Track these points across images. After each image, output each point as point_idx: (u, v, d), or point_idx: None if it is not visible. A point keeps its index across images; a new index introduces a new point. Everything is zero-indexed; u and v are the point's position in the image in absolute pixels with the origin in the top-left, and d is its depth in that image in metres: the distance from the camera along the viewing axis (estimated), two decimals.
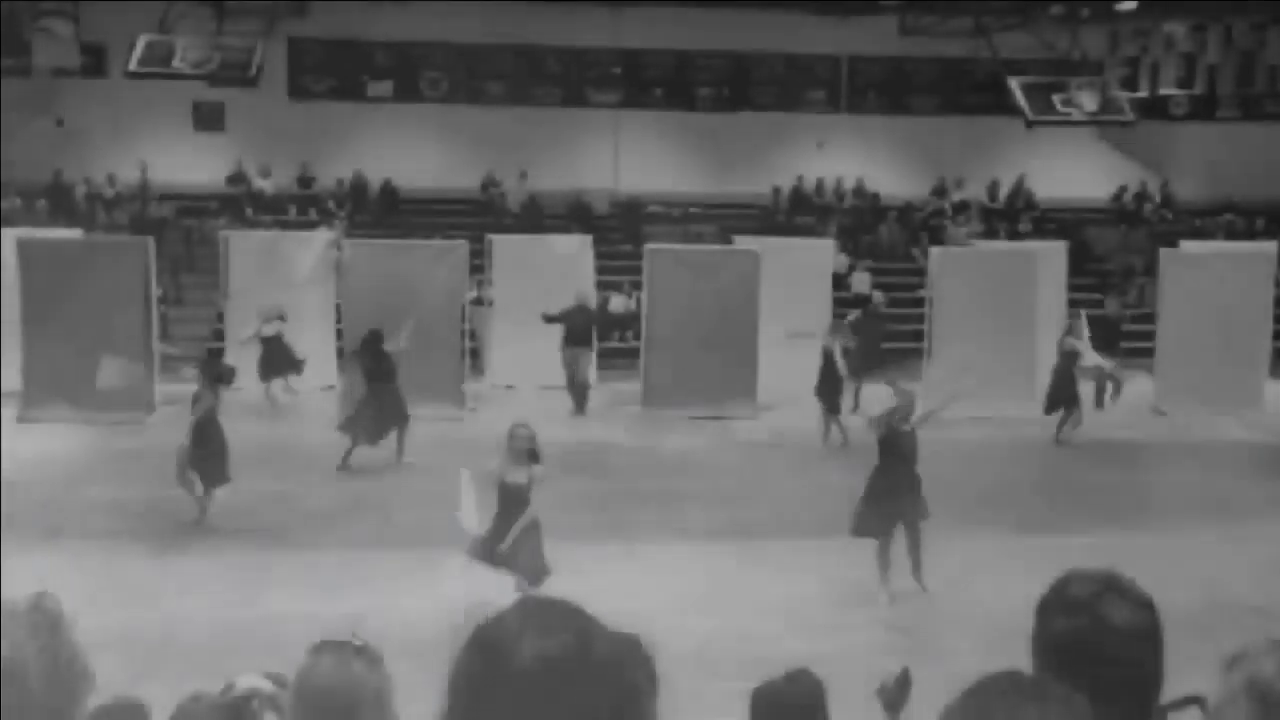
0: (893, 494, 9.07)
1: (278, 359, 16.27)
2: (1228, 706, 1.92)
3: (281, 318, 16.30)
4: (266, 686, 3.49)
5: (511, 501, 8.54)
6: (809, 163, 23.74)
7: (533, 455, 8.60)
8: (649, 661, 2.37)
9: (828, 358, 14.63)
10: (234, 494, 11.71)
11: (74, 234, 18.01)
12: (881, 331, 16.77)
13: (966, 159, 23.57)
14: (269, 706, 3.48)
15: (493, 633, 1.44)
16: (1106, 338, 16.15)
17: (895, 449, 9.15)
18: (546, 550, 8.59)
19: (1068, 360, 14.66)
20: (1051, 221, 23.13)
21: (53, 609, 2.12)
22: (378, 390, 13.10)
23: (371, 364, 13.21)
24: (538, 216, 22.22)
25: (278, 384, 16.40)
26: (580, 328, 16.09)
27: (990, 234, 22.34)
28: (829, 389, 14.60)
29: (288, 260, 17.22)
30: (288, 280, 17.04)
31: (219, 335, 18.14)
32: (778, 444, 14.64)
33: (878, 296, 17.89)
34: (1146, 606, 2.08)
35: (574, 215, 22.21)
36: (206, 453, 10.83)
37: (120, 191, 21.78)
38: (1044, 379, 16.49)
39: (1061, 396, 14.65)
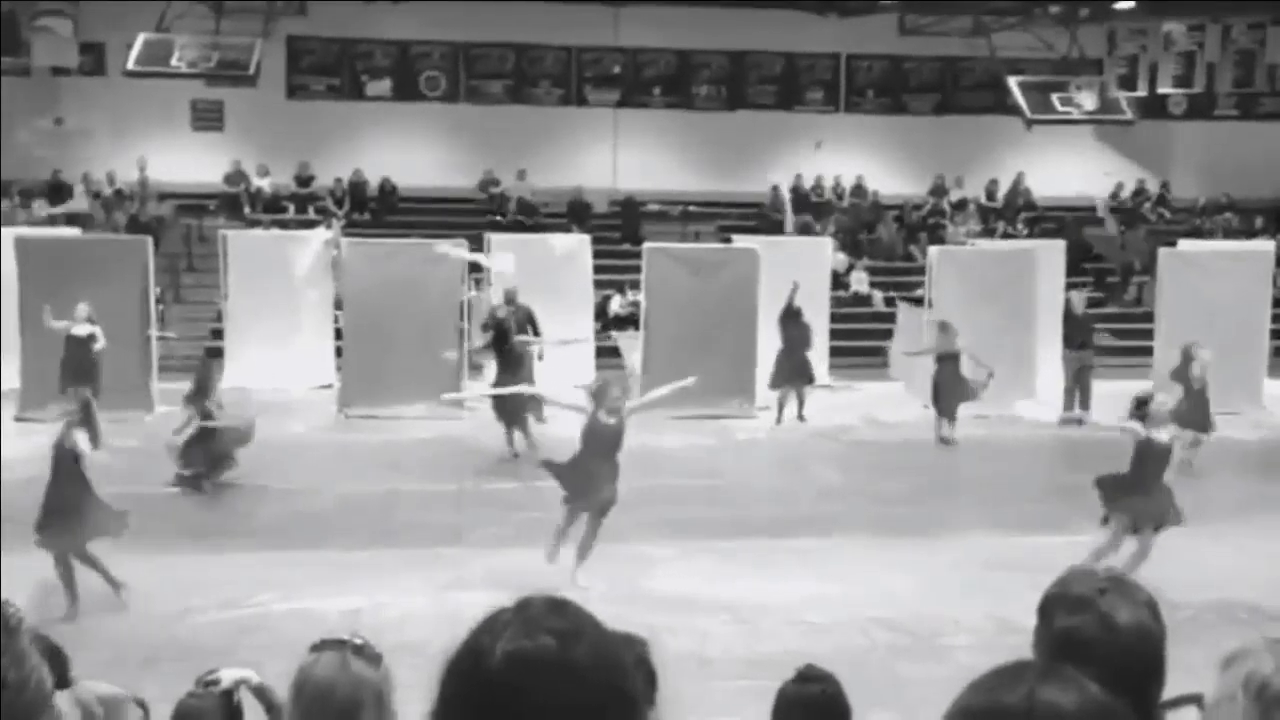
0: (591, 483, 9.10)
1: (83, 367, 13.60)
2: (1225, 704, 1.92)
3: (91, 320, 13.95)
4: (253, 677, 3.50)
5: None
6: (807, 162, 23.75)
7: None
8: (645, 665, 2.35)
9: (948, 361, 14.47)
10: (235, 494, 11.73)
11: (72, 233, 18.04)
12: (807, 336, 15.58)
13: (965, 158, 23.57)
14: (256, 696, 3.49)
15: (480, 631, 1.43)
16: (1076, 335, 16.02)
17: (594, 439, 9.10)
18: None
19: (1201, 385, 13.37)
20: (1050, 220, 23.14)
21: (10, 616, 2.10)
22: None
23: None
24: (536, 215, 22.23)
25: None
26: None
27: (989, 233, 22.34)
28: (949, 394, 14.42)
29: (286, 259, 17.22)
30: (286, 279, 17.05)
31: (218, 334, 18.14)
32: (777, 443, 14.64)
33: (876, 296, 17.90)
34: (1149, 605, 2.09)
35: (573, 214, 22.22)
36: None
37: (121, 189, 21.78)
38: (1044, 377, 16.51)
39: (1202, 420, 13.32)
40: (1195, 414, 13.01)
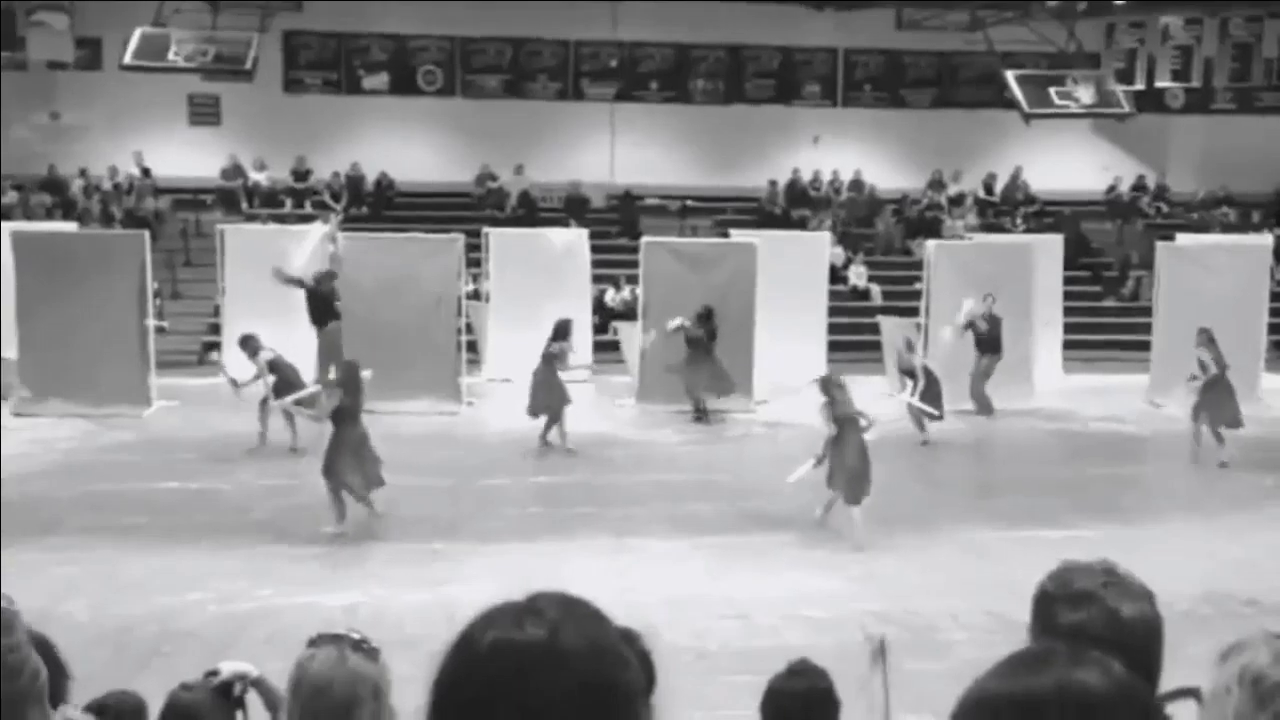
0: None
1: None
2: (1222, 696, 1.92)
3: None
4: (252, 671, 3.51)
5: None
6: (805, 156, 23.74)
7: None
8: (645, 657, 2.34)
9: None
10: (232, 488, 11.73)
11: (69, 227, 18.02)
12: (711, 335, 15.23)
13: (963, 152, 23.56)
14: (255, 690, 3.49)
15: (475, 621, 1.41)
16: (991, 336, 15.67)
17: None
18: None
19: None
20: (1048, 214, 23.14)
21: (5, 612, 2.09)
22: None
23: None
24: (533, 210, 22.22)
25: None
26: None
27: (987, 227, 22.34)
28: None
29: (284, 254, 17.19)
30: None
31: (215, 329, 18.12)
32: (774, 438, 14.64)
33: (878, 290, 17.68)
34: (1147, 598, 2.09)
35: (570, 208, 22.20)
36: None
37: (118, 184, 21.76)
38: (1040, 371, 16.51)
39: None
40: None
